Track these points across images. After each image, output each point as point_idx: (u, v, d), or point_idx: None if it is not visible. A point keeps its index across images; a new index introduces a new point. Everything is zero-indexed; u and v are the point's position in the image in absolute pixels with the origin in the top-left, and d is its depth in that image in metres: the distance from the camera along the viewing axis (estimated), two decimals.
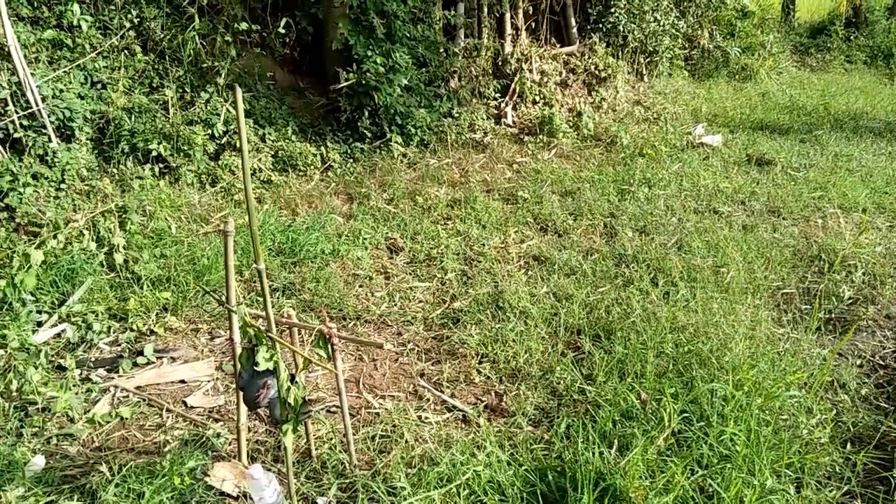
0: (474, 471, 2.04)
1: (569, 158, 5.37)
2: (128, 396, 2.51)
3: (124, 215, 3.56)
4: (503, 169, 5.08)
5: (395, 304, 3.20)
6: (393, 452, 2.20)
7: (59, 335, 2.82)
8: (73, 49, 4.01)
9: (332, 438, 2.26)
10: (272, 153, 4.55)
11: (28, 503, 1.96)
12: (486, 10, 6.06)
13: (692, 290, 3.21)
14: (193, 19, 4.41)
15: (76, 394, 2.45)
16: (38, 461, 2.14)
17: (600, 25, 6.89)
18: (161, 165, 4.12)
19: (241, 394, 1.87)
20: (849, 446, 2.28)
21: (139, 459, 2.15)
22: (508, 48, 6.21)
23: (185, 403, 2.49)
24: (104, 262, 3.24)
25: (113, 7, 4.25)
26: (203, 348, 2.85)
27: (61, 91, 3.79)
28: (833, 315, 3.16)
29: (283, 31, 4.94)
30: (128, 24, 4.27)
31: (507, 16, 6.24)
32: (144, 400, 2.49)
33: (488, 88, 5.94)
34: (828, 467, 2.17)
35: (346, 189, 4.49)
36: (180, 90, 4.43)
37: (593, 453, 2.07)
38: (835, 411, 2.43)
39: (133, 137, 4.00)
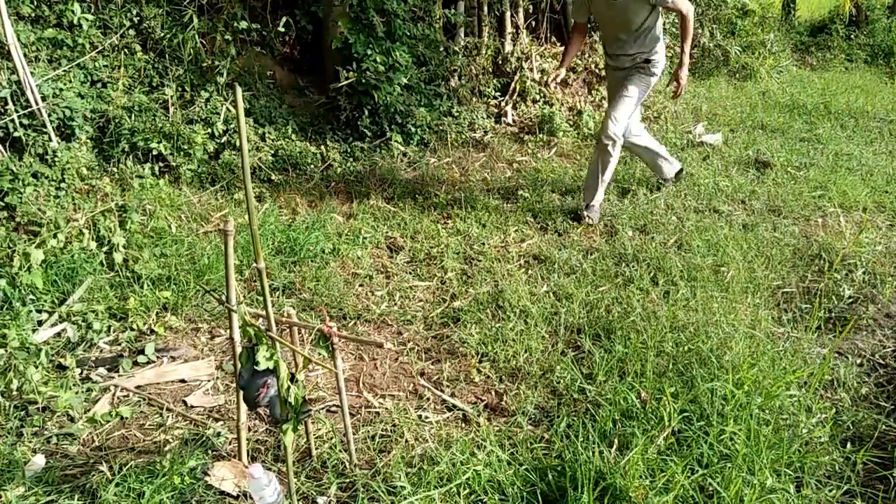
0: (474, 470, 2.04)
1: (569, 157, 5.37)
2: (128, 396, 2.51)
3: (124, 214, 3.56)
4: (503, 168, 5.08)
5: (395, 304, 3.20)
6: (393, 452, 2.21)
7: (59, 334, 2.82)
8: (74, 48, 4.01)
9: (332, 438, 2.27)
10: (272, 152, 4.55)
11: (28, 503, 1.96)
12: (486, 8, 6.06)
13: (692, 289, 3.21)
14: (193, 18, 4.41)
15: (76, 393, 2.46)
16: (39, 461, 2.14)
17: None
18: (161, 164, 4.12)
19: (240, 393, 1.87)
20: (849, 445, 2.28)
21: (139, 459, 2.15)
22: (509, 47, 6.20)
23: (185, 403, 2.49)
24: (104, 262, 3.24)
25: (113, 6, 4.24)
26: (203, 347, 2.85)
27: (61, 90, 3.78)
28: (833, 314, 3.16)
29: (282, 29, 4.94)
30: (128, 23, 4.27)
31: (508, 14, 6.23)
32: (144, 399, 2.50)
33: (488, 87, 5.94)
34: (828, 466, 2.17)
35: (346, 188, 4.49)
36: (180, 89, 4.43)
37: (593, 452, 2.07)
38: (835, 410, 2.43)
39: (133, 136, 4.00)
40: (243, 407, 1.97)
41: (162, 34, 4.37)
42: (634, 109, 4.07)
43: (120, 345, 2.82)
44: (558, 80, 4.09)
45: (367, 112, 4.93)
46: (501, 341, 2.84)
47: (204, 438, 2.27)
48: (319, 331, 1.88)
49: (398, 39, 4.98)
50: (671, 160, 4.50)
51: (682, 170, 4.62)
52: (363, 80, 4.77)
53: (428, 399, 2.53)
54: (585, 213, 4.08)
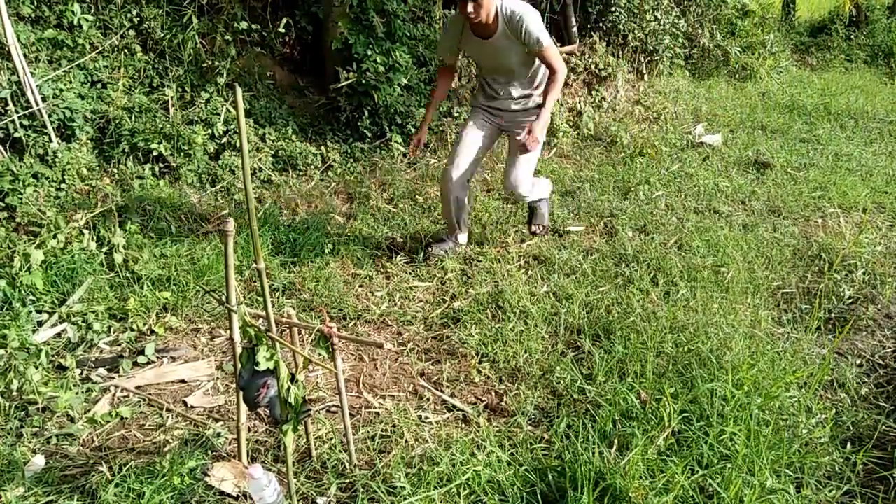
0: (474, 470, 2.04)
1: (569, 158, 5.37)
2: (128, 396, 2.51)
3: (124, 215, 3.56)
4: (503, 168, 5.08)
5: (395, 304, 3.20)
6: (393, 452, 2.21)
7: (59, 335, 2.82)
8: (74, 49, 4.01)
9: (332, 438, 2.27)
10: (272, 153, 4.55)
11: (28, 503, 1.96)
12: None
13: (692, 289, 3.21)
14: (193, 19, 4.41)
15: (76, 394, 2.46)
16: (38, 461, 2.14)
17: (600, 24, 6.89)
18: (161, 165, 4.12)
19: (240, 393, 1.87)
20: (848, 446, 2.28)
21: (139, 459, 2.15)
22: None
23: (185, 403, 2.49)
24: (104, 262, 3.24)
25: (113, 6, 4.25)
26: (203, 348, 2.85)
27: (61, 91, 3.79)
28: (833, 314, 3.16)
29: (282, 30, 4.94)
30: (128, 24, 4.27)
31: None
32: (144, 400, 2.50)
33: None
34: (827, 467, 2.17)
35: (347, 188, 4.49)
36: (180, 90, 4.43)
37: (593, 453, 2.07)
38: (834, 411, 2.43)
39: (133, 137, 4.00)
40: (243, 407, 1.97)
41: (162, 35, 4.37)
42: (535, 164, 3.49)
43: (120, 345, 2.82)
44: (421, 143, 3.42)
45: (367, 113, 4.93)
46: (501, 342, 2.84)
47: (204, 439, 2.27)
48: (319, 331, 1.88)
49: (398, 40, 4.98)
50: (464, 232, 3.67)
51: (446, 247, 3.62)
52: (363, 81, 4.77)
53: (428, 399, 2.53)
54: (533, 221, 3.81)
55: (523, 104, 3.38)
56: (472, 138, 3.42)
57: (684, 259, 3.55)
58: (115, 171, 3.92)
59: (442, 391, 2.58)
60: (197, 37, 4.46)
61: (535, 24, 3.04)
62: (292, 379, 1.79)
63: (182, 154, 4.17)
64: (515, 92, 3.34)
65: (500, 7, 3.03)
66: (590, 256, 3.64)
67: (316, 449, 2.19)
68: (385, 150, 4.99)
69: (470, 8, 2.91)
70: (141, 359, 2.70)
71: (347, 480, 2.10)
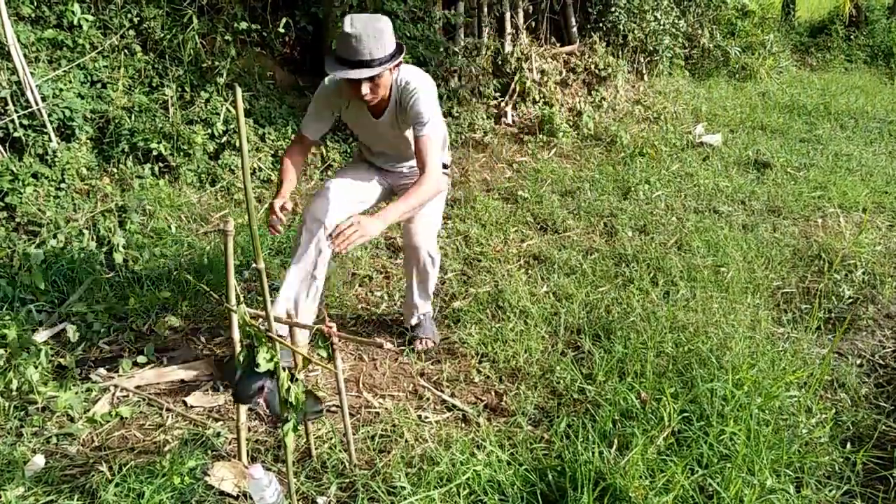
0: (474, 470, 2.04)
1: (569, 158, 5.37)
2: (127, 396, 2.51)
3: (124, 214, 3.56)
4: (503, 168, 5.08)
5: (395, 304, 3.20)
6: (393, 452, 2.21)
7: (59, 334, 2.82)
8: (74, 49, 4.01)
9: (332, 438, 2.26)
10: (272, 152, 4.55)
11: (28, 503, 1.96)
12: (486, 9, 6.06)
13: (692, 289, 3.21)
14: (193, 19, 4.41)
15: (76, 393, 2.45)
16: (38, 461, 2.14)
17: (600, 24, 6.89)
18: (161, 165, 4.12)
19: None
20: (848, 445, 2.28)
21: (139, 459, 2.15)
22: (508, 47, 6.20)
23: (185, 403, 2.49)
24: (104, 262, 3.24)
25: (113, 6, 4.24)
26: (203, 348, 2.85)
27: (61, 90, 3.79)
28: (833, 314, 3.16)
29: (282, 30, 4.94)
30: (127, 24, 4.27)
31: (508, 15, 6.24)
32: (144, 399, 2.49)
33: (488, 88, 5.93)
34: (827, 467, 2.17)
35: None
36: (180, 89, 4.43)
37: (593, 453, 2.07)
38: (834, 410, 2.43)
39: (133, 137, 4.00)
40: (243, 407, 1.97)
41: (162, 35, 4.37)
42: (438, 224, 2.82)
43: (120, 345, 2.82)
44: (283, 220, 2.46)
45: None
46: (501, 341, 2.83)
47: (204, 438, 2.27)
48: (319, 331, 1.88)
49: None
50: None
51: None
52: None
53: (428, 399, 2.53)
54: (417, 334, 2.88)
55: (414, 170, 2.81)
56: (344, 181, 2.76)
57: (684, 259, 3.55)
58: (115, 170, 3.92)
59: (442, 391, 2.58)
60: (197, 37, 4.46)
61: (426, 102, 2.41)
62: (293, 378, 1.79)
63: (182, 154, 4.17)
64: (405, 168, 2.87)
65: (397, 77, 2.43)
66: (590, 256, 3.64)
67: (316, 449, 2.19)
68: None
69: (365, 89, 2.29)
70: (141, 359, 2.70)
71: (347, 480, 2.10)
